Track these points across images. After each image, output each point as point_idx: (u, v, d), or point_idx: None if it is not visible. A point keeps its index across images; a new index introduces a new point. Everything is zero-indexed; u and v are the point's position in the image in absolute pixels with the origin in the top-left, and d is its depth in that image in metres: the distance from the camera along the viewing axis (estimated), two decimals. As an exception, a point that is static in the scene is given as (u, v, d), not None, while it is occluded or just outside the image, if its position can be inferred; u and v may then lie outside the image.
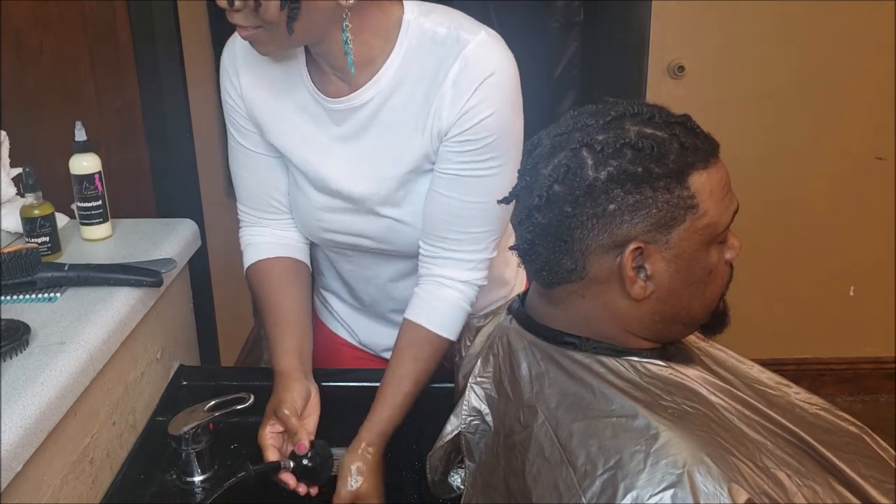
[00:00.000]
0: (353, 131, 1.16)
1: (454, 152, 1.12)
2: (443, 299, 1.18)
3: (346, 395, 1.26)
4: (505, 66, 1.10)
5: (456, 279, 1.18)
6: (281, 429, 1.16)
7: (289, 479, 1.12)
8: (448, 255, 1.17)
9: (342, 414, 1.18)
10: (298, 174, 1.22)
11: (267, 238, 1.29)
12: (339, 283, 1.38)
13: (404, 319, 1.20)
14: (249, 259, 1.30)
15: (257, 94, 1.20)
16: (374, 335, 1.39)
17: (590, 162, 0.84)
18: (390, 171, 1.16)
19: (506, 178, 1.09)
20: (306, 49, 1.15)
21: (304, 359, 1.23)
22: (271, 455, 1.14)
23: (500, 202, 0.97)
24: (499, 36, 1.12)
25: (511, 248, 0.95)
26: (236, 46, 1.20)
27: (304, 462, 1.11)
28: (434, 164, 1.15)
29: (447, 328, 1.18)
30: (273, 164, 1.25)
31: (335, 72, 1.13)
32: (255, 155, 1.25)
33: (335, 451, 1.16)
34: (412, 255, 1.22)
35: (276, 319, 1.25)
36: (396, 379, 1.17)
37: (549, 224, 0.87)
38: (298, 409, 1.16)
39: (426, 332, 1.18)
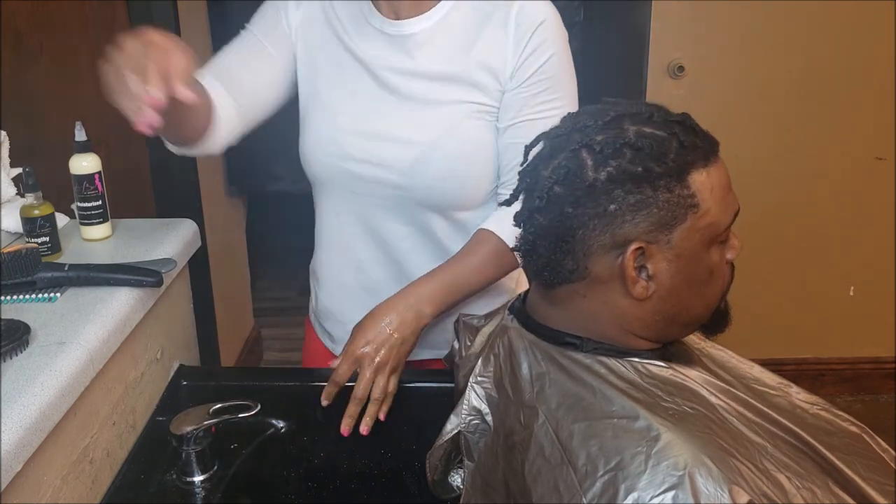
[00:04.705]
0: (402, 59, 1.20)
1: (526, 96, 1.19)
2: None
3: (340, 395, 1.26)
4: (554, 15, 1.20)
5: None
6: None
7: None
8: None
9: (337, 415, 1.18)
10: (329, 90, 1.25)
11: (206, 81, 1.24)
12: (349, 270, 1.35)
13: (479, 229, 1.23)
14: None
15: (308, 37, 1.25)
16: None
17: (589, 163, 0.84)
18: (430, 99, 1.20)
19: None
20: None
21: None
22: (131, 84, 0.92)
23: (500, 205, 0.96)
24: None
25: (512, 248, 0.95)
26: None
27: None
28: (496, 108, 1.20)
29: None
30: (269, 65, 1.27)
31: None
32: (263, 49, 1.27)
33: None
34: (432, 207, 1.23)
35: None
36: (460, 262, 1.20)
37: (550, 225, 0.87)
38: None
39: (497, 241, 1.20)
